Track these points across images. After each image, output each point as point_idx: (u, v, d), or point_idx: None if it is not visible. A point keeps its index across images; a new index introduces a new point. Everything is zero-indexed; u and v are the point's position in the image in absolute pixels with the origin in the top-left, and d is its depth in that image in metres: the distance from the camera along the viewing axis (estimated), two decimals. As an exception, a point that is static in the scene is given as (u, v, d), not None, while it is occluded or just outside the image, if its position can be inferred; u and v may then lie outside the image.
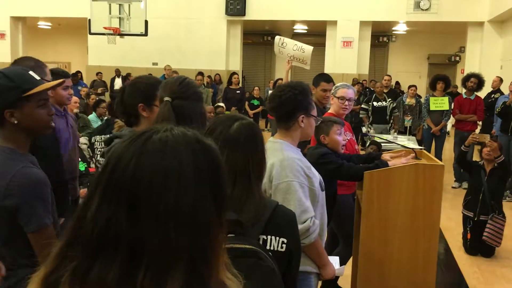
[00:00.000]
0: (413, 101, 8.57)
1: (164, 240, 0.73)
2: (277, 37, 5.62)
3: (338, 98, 3.67)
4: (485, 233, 4.74)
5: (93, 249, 0.74)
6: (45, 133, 1.82)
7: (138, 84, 2.11)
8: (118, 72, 14.01)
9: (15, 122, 1.67)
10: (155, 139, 0.78)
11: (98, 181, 0.78)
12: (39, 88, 1.71)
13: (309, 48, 5.41)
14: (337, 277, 3.62)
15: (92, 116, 7.01)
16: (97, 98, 8.47)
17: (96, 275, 0.73)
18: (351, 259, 3.49)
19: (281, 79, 8.91)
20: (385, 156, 3.09)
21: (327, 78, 4.19)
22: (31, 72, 1.74)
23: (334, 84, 4.04)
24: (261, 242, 1.49)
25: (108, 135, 3.23)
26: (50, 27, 18.52)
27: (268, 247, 1.50)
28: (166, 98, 1.88)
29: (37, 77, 1.75)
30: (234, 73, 11.43)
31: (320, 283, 2.40)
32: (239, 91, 11.04)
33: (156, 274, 0.72)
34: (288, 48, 5.46)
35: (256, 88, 12.18)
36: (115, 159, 0.77)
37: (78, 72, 13.65)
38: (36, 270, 1.71)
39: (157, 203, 0.73)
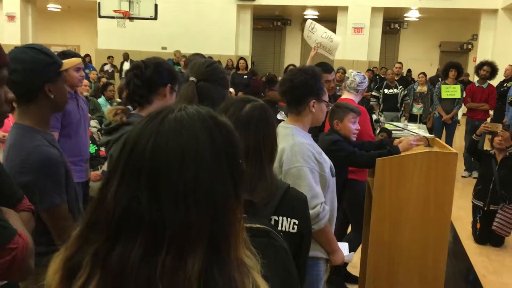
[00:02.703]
0: (424, 88, 8.47)
1: (185, 218, 0.73)
2: (308, 21, 5.49)
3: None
4: (494, 223, 4.71)
5: (114, 231, 0.74)
6: (62, 109, 1.86)
7: (165, 65, 2.04)
8: (126, 56, 14.00)
9: (52, 96, 1.71)
10: (170, 118, 0.78)
11: (117, 163, 0.78)
12: (67, 65, 1.75)
13: (337, 39, 5.29)
14: (346, 264, 3.62)
15: (101, 100, 7.00)
16: (106, 81, 8.47)
17: (118, 256, 0.73)
18: (360, 247, 3.47)
19: (292, 65, 8.80)
20: (398, 140, 3.06)
21: (328, 68, 4.00)
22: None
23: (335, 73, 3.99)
24: (272, 223, 1.49)
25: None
26: (59, 10, 18.51)
27: (279, 228, 1.50)
28: (192, 78, 1.88)
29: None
30: (241, 58, 11.37)
31: (328, 270, 2.38)
32: (246, 76, 11.00)
33: (178, 252, 0.73)
34: (317, 34, 5.32)
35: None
36: (133, 140, 0.77)
37: (87, 55, 13.66)
38: (52, 248, 1.72)
39: (177, 182, 0.74)
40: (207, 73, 1.93)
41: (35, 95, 1.71)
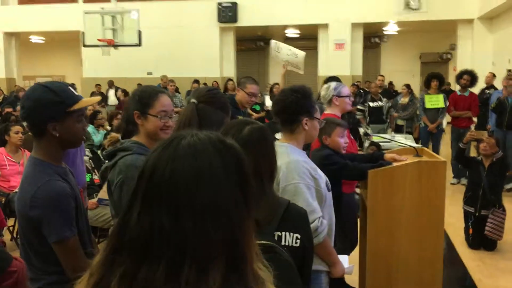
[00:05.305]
0: (406, 100, 8.66)
1: (204, 237, 0.79)
2: (272, 41, 5.65)
3: (346, 96, 3.72)
4: (487, 228, 4.79)
5: (139, 253, 0.79)
6: (77, 146, 1.92)
7: (135, 92, 2.14)
8: (111, 84, 14.07)
9: (56, 135, 1.74)
10: (184, 144, 0.84)
11: (136, 190, 0.84)
12: (82, 104, 1.79)
13: (301, 54, 5.45)
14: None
15: (90, 128, 7.03)
16: (94, 110, 8.49)
17: (143, 277, 0.78)
18: (358, 258, 3.52)
19: (277, 83, 8.94)
20: (388, 155, 3.14)
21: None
22: (70, 87, 1.82)
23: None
24: (276, 239, 1.55)
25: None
26: (43, 41, 18.55)
27: (283, 243, 1.56)
28: (193, 100, 1.98)
29: (76, 93, 1.83)
30: (229, 79, 11.46)
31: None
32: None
33: (199, 269, 0.78)
34: (283, 53, 5.51)
35: (259, 94, 12.27)
36: (150, 168, 0.83)
37: (72, 84, 13.69)
38: (64, 277, 1.76)
39: (194, 203, 0.79)
40: (207, 96, 2.04)
41: (42, 132, 1.76)
